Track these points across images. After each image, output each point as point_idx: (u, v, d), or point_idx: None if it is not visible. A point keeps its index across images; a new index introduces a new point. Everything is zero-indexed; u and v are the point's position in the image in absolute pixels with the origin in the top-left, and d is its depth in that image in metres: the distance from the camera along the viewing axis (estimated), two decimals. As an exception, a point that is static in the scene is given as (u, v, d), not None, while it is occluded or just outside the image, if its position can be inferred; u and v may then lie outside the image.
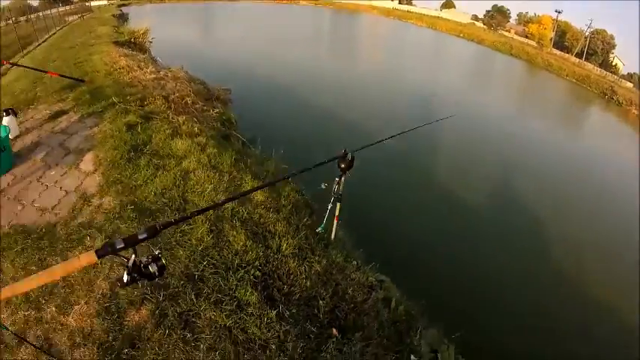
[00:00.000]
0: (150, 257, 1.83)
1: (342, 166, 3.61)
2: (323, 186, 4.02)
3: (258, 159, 6.70)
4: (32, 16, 28.42)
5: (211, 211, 4.08)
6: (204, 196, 4.56)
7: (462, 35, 65.94)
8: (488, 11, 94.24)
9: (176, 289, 3.22)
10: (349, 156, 3.55)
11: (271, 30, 38.19)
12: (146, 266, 1.79)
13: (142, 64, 11.72)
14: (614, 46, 76.41)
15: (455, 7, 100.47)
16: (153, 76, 10.27)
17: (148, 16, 24.22)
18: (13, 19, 23.07)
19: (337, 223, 4.30)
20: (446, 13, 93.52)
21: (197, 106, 8.76)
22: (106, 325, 2.95)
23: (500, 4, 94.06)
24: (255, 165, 6.26)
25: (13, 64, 9.80)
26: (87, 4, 49.37)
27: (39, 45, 19.01)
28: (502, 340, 5.51)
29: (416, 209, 8.62)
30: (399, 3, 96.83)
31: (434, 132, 9.98)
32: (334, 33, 45.93)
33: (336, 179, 3.82)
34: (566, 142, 19.91)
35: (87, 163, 5.53)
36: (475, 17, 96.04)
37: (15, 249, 3.78)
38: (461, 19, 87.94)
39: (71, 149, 6.00)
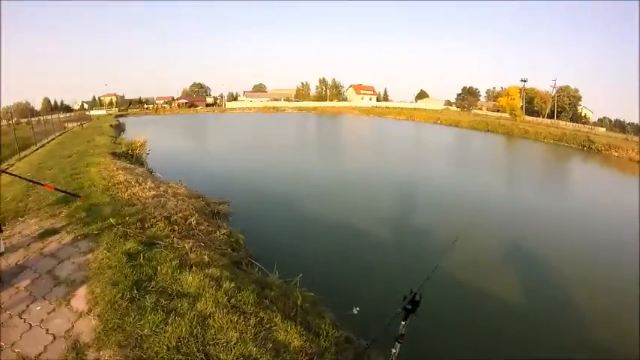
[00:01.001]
0: None
1: (410, 307, 3.22)
2: (355, 311, 3.44)
3: (281, 290, 5.88)
4: (33, 119, 28.80)
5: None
6: (230, 350, 3.67)
7: (439, 122, 69.69)
8: (459, 94, 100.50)
9: None
10: (418, 295, 3.16)
11: (262, 137, 39.17)
12: None
13: (141, 178, 11.32)
14: (579, 99, 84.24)
15: (428, 96, 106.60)
16: (152, 192, 9.74)
17: (143, 127, 24.43)
18: (14, 120, 23.23)
19: None
20: (421, 103, 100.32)
21: (202, 227, 8.11)
22: None
23: (468, 85, 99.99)
24: (280, 298, 5.44)
25: (5, 172, 9.25)
26: (87, 112, 50.87)
27: (37, 150, 18.98)
28: None
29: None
30: (377, 100, 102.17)
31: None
32: (323, 136, 47.03)
33: (402, 322, 3.31)
34: (561, 202, 20.57)
35: (80, 299, 4.70)
36: (448, 102, 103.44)
37: None
38: (436, 107, 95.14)
39: (61, 279, 5.23)
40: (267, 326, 4.29)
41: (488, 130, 60.42)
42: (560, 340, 7.56)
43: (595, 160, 40.09)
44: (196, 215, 8.61)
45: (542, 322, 7.93)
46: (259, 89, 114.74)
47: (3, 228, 6.70)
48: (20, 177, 8.68)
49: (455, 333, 7.52)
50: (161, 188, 10.57)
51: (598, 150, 45.44)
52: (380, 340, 3.32)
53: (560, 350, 7.17)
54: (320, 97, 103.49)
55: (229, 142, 33.03)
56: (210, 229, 8.31)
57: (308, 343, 4.08)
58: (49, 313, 4.46)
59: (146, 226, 6.98)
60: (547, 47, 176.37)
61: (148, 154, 19.28)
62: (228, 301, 4.62)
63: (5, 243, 6.23)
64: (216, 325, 4.03)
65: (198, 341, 3.76)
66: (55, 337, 4.04)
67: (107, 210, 7.70)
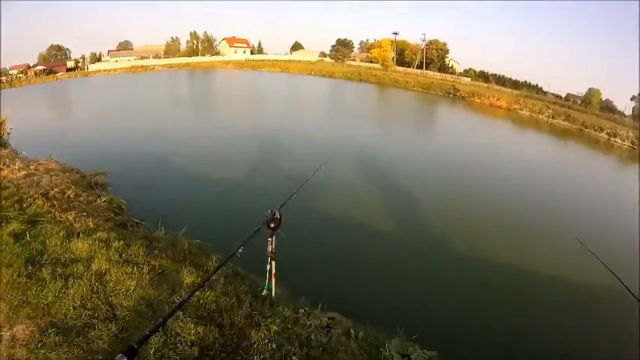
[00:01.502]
0: None
1: (272, 225, 3.84)
2: (239, 251, 3.94)
3: (168, 241, 6.37)
4: None
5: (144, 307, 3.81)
6: (131, 296, 4.20)
7: (313, 73, 71.19)
8: (333, 46, 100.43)
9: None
10: (277, 214, 3.80)
11: (130, 99, 37.57)
12: None
13: (7, 160, 10.78)
14: (447, 52, 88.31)
15: (303, 48, 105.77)
16: (23, 172, 9.46)
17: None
18: None
19: (275, 280, 4.38)
20: (296, 55, 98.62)
21: (81, 198, 8.19)
22: None
23: (342, 37, 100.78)
24: (168, 247, 5.94)
25: None
26: None
27: None
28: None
29: (336, 247, 9.41)
30: (251, 53, 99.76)
31: (324, 174, 10.56)
32: (194, 93, 46.36)
33: (269, 239, 3.96)
34: (430, 144, 23.99)
35: None
36: (323, 54, 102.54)
37: None
38: (310, 58, 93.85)
39: None
40: (160, 271, 4.84)
41: (361, 80, 63.32)
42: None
43: (460, 105, 45.31)
44: (73, 188, 8.63)
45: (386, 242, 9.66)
46: (125, 47, 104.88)
47: None
48: None
49: (320, 249, 9.05)
50: (31, 167, 10.23)
51: (462, 97, 50.94)
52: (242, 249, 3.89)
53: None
54: (192, 52, 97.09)
55: (96, 111, 31.24)
56: (90, 198, 8.41)
57: (198, 278, 4.68)
58: None
59: (24, 206, 6.97)
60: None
61: (9, 134, 18.03)
62: (120, 257, 5.09)
63: None
64: (113, 279, 4.51)
65: (100, 295, 4.23)
66: None
67: (-21, 199, 7.50)
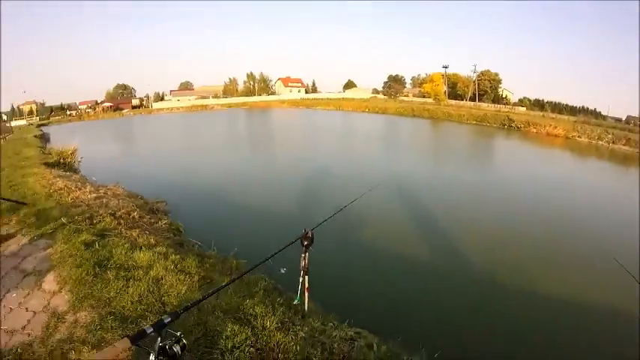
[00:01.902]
0: (173, 339, 2.21)
1: (306, 243, 4.21)
2: (282, 271, 4.57)
3: (218, 259, 7.05)
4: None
5: (195, 308, 4.42)
6: (182, 297, 4.85)
7: (367, 110, 71.82)
8: (385, 82, 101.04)
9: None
10: (309, 233, 4.18)
11: (190, 136, 39.35)
12: (170, 347, 2.17)
13: (79, 184, 11.94)
14: (499, 82, 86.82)
15: (356, 86, 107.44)
16: (94, 195, 10.50)
17: (70, 135, 24.39)
18: None
19: (308, 294, 4.73)
20: (349, 93, 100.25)
21: (144, 219, 9.06)
22: None
23: (394, 73, 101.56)
24: (218, 264, 6.62)
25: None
26: (7, 124, 48.62)
27: (-38, 168, 18.60)
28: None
29: (368, 268, 9.82)
30: (306, 92, 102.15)
31: (367, 202, 11.04)
32: (252, 130, 47.92)
33: (302, 255, 4.32)
34: (481, 176, 23.19)
35: (49, 283, 5.59)
36: (375, 90, 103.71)
37: None
38: (363, 95, 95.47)
39: (28, 271, 6.01)
40: (208, 281, 5.49)
41: (414, 116, 62.98)
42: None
43: (515, 136, 43.42)
44: (138, 210, 9.52)
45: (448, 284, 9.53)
46: (186, 87, 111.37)
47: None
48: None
49: (353, 270, 9.48)
50: (101, 191, 11.30)
51: (518, 127, 49.03)
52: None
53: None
54: (248, 92, 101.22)
55: (159, 145, 33.25)
56: (152, 220, 9.28)
57: (241, 289, 5.31)
58: (24, 297, 5.24)
59: (94, 222, 7.85)
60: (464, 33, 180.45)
61: (80, 161, 19.54)
62: (175, 267, 5.80)
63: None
64: (167, 284, 5.19)
65: (154, 295, 4.91)
66: (35, 313, 4.87)
67: (55, 212, 8.42)
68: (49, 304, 5.07)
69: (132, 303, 4.73)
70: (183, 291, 5.00)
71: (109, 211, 8.73)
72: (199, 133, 41.72)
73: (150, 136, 42.26)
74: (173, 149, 29.83)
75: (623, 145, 38.84)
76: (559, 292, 8.82)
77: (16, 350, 4.03)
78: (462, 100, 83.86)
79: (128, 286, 5.09)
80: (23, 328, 4.59)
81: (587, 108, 73.83)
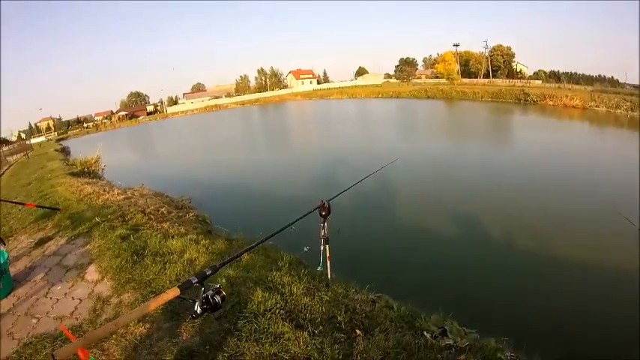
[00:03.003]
0: (213, 290, 2.53)
1: (323, 213, 4.45)
2: (306, 249, 4.89)
3: (245, 240, 7.42)
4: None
5: (224, 281, 4.80)
6: (217, 273, 5.21)
7: (381, 95, 71.70)
8: (397, 66, 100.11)
9: (217, 341, 3.83)
10: (326, 204, 4.42)
11: (207, 135, 39.94)
12: (212, 297, 2.49)
13: (107, 188, 12.41)
14: (513, 56, 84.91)
15: (368, 72, 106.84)
16: (122, 196, 10.96)
17: (89, 146, 25.01)
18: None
19: (330, 263, 4.98)
20: (361, 80, 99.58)
21: (172, 214, 9.46)
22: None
23: (405, 56, 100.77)
24: (244, 245, 6.97)
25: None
26: (27, 142, 49.82)
27: (-9, 185, 19.17)
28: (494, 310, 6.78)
29: (388, 238, 10.33)
30: (318, 83, 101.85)
31: (385, 176, 11.29)
32: (266, 126, 48.30)
33: (321, 225, 4.56)
34: (501, 153, 22.68)
35: (92, 274, 5.99)
36: (388, 75, 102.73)
37: (44, 352, 4.10)
38: (375, 81, 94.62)
39: (70, 266, 6.41)
40: (238, 260, 5.83)
41: (428, 97, 62.16)
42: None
43: (531, 110, 42.60)
44: (166, 206, 9.94)
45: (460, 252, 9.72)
46: (198, 89, 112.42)
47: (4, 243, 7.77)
48: (3, 200, 9.79)
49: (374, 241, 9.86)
50: (128, 192, 11.76)
51: (534, 101, 47.95)
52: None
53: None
54: (261, 88, 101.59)
55: (177, 146, 33.92)
56: (180, 214, 9.68)
57: (269, 264, 5.69)
58: (69, 288, 5.63)
59: (127, 219, 8.28)
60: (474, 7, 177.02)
61: (103, 169, 20.10)
62: (207, 249, 6.18)
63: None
64: (201, 264, 5.58)
65: (190, 274, 5.26)
66: (81, 300, 5.25)
67: (88, 214, 8.86)
68: (92, 291, 5.43)
69: (170, 282, 5.10)
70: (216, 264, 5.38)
71: (139, 209, 9.14)
72: (215, 132, 42.25)
73: (167, 139, 43.07)
74: (191, 149, 30.52)
75: None
76: (576, 255, 8.93)
77: (70, 332, 4.05)
78: (476, 77, 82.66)
79: (165, 269, 5.48)
80: (71, 313, 4.94)
81: (604, 76, 71.42)
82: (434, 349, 3.87)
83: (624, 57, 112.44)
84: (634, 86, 59.40)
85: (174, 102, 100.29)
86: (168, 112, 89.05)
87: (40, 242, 7.86)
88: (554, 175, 16.06)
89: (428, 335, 4.18)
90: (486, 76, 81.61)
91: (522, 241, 9.81)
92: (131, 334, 4.14)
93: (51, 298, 5.46)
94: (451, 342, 4.08)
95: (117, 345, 4.02)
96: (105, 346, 4.02)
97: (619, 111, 39.56)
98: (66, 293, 5.53)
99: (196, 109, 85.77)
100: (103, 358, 3.88)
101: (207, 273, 2.50)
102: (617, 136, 29.01)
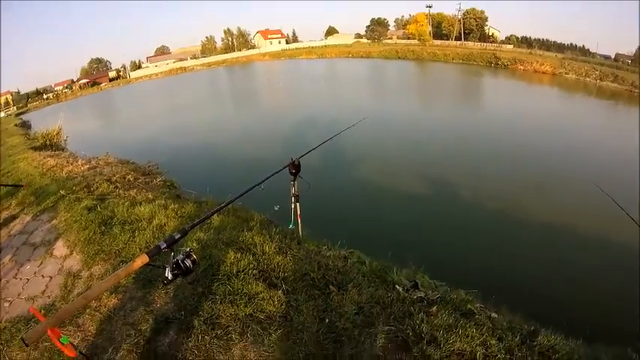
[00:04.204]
0: (183, 254, 2.45)
1: (293, 171, 4.42)
2: (276, 208, 4.80)
3: (215, 202, 7.30)
4: None
5: (195, 244, 4.72)
6: (187, 237, 5.10)
7: (351, 55, 71.34)
8: (368, 26, 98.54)
9: (192, 306, 3.78)
10: (296, 161, 4.38)
11: (172, 99, 38.95)
12: (183, 262, 2.41)
13: (70, 159, 12.03)
14: (486, 20, 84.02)
15: (338, 32, 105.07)
16: (86, 166, 10.63)
17: (51, 117, 24.23)
18: None
19: (300, 220, 5.00)
20: (332, 40, 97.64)
21: (139, 180, 9.25)
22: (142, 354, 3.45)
23: (377, 16, 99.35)
24: (214, 207, 6.87)
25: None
26: (-16, 119, 48.20)
27: (-49, 167, 18.57)
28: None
29: (358, 196, 10.68)
30: (287, 43, 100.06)
31: (354, 135, 11.33)
32: (233, 87, 47.57)
33: (291, 183, 4.56)
34: (470, 114, 23.37)
35: (60, 249, 5.82)
36: (359, 35, 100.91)
37: (20, 336, 3.85)
38: (346, 41, 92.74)
39: (37, 243, 6.21)
40: (208, 222, 5.73)
41: (399, 58, 62.51)
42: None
43: (502, 74, 43.62)
44: (132, 173, 9.70)
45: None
46: (162, 52, 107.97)
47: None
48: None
49: (343, 197, 10.23)
50: (92, 162, 11.42)
51: (505, 65, 48.70)
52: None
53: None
54: (227, 49, 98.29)
55: (142, 112, 33.13)
56: (147, 180, 9.49)
57: (240, 223, 5.61)
58: (38, 267, 5.48)
59: (92, 189, 8.04)
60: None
61: (66, 140, 19.52)
62: (176, 214, 6.07)
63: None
64: (170, 228, 5.47)
65: (160, 240, 5.14)
66: (51, 277, 5.11)
67: (53, 187, 8.56)
68: (62, 267, 5.31)
69: (140, 250, 5.00)
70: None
71: (104, 178, 8.87)
72: (181, 95, 41.34)
73: (131, 105, 41.96)
74: (157, 114, 29.89)
75: (611, 82, 38.71)
76: (543, 217, 9.29)
77: (40, 311, 4.17)
78: (448, 40, 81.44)
79: (134, 237, 5.37)
80: (43, 292, 4.83)
81: (575, 45, 72.32)
82: (406, 302, 3.94)
83: (597, 28, 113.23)
84: (604, 56, 60.67)
85: (137, 67, 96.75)
86: (131, 77, 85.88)
87: (5, 222, 7.57)
88: (525, 139, 16.52)
89: (400, 289, 4.26)
90: (458, 38, 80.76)
91: (490, 202, 10.16)
92: (104, 306, 4.06)
93: (21, 279, 5.31)
94: (422, 294, 4.19)
95: (91, 319, 3.94)
96: (79, 321, 3.94)
97: (588, 79, 40.81)
98: (35, 272, 5.39)
99: (161, 72, 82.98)
100: (79, 334, 3.80)
101: (176, 237, 2.41)
102: (586, 104, 30.07)
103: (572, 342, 3.77)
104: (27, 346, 2.07)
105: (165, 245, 2.29)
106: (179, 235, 2.44)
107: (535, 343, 3.48)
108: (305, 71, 53.11)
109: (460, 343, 3.33)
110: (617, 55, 61.96)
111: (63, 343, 1.84)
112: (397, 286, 4.30)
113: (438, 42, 79.14)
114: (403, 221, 9.14)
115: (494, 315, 4.10)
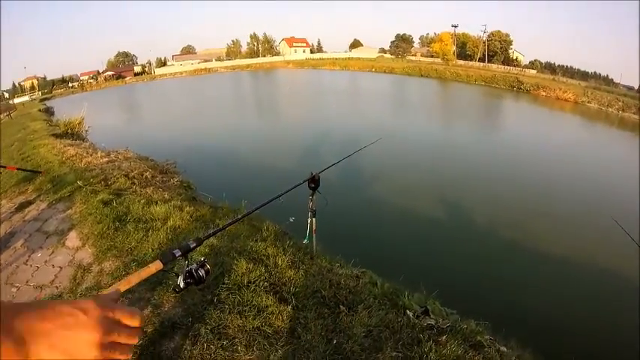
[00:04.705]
0: (197, 263, 2.43)
1: (312, 185, 4.38)
2: (291, 220, 4.78)
3: (230, 208, 7.32)
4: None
5: (208, 250, 4.70)
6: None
7: (374, 70, 71.54)
8: (392, 41, 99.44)
9: (200, 313, 3.75)
10: (316, 176, 4.35)
11: (195, 99, 39.20)
12: (197, 271, 2.39)
13: (90, 150, 12.15)
14: (510, 43, 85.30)
15: (362, 45, 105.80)
16: (105, 159, 10.73)
17: (74, 106, 24.46)
18: None
19: (315, 236, 4.94)
20: (355, 53, 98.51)
21: (157, 179, 9.28)
22: (145, 355, 3.41)
23: (402, 32, 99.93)
24: (230, 213, 6.89)
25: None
26: (10, 101, 48.88)
27: (-28, 147, 18.78)
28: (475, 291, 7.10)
29: (373, 215, 10.56)
30: (311, 52, 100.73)
31: (371, 154, 11.37)
32: (256, 92, 47.67)
33: (309, 197, 4.52)
34: (489, 137, 23.18)
35: (72, 240, 5.84)
36: (382, 50, 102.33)
37: None
38: (370, 55, 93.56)
39: (51, 232, 6.24)
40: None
41: (421, 75, 62.54)
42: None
43: (524, 99, 43.32)
44: (150, 170, 9.74)
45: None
46: (188, 51, 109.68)
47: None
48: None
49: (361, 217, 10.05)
50: (111, 155, 11.51)
51: (527, 90, 48.51)
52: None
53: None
54: (252, 54, 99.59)
55: (164, 109, 33.39)
56: (165, 179, 9.52)
57: (254, 233, 5.59)
58: (49, 256, 5.48)
59: (109, 183, 8.09)
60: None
61: (87, 130, 19.70)
62: (191, 217, 6.06)
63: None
64: (185, 232, 5.45)
65: (173, 242, 5.16)
66: (61, 268, 5.11)
67: (71, 177, 8.63)
68: (73, 258, 5.30)
69: (152, 250, 4.97)
70: (200, 236, 5.27)
71: (123, 173, 8.94)
72: (204, 96, 41.63)
73: (154, 102, 42.40)
74: (178, 113, 30.06)
75: (634, 113, 38.05)
76: (559, 250, 9.13)
77: (51, 298, 4.16)
78: (472, 60, 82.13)
79: (148, 236, 5.35)
80: (51, 282, 4.82)
81: (599, 74, 72.63)
82: (416, 329, 3.89)
83: (621, 57, 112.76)
84: (628, 87, 60.55)
85: (162, 63, 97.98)
86: (156, 73, 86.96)
87: (21, 207, 7.64)
88: (544, 166, 16.34)
89: (410, 314, 4.21)
90: (482, 60, 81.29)
91: (507, 230, 9.99)
92: None
93: (31, 266, 5.31)
94: (433, 322, 4.13)
95: None
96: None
97: (610, 109, 40.21)
98: (46, 261, 5.38)
99: (185, 71, 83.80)
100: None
101: (192, 246, 2.36)
102: (607, 133, 29.89)
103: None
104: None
105: (180, 253, 2.25)
106: (194, 244, 2.40)
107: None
108: (327, 83, 53.23)
109: (468, 375, 3.28)
110: (641, 86, 61.59)
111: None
112: (408, 311, 4.25)
113: (461, 62, 79.90)
114: (417, 244, 9.10)
115: (503, 348, 4.06)
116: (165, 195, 7.39)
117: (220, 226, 4.98)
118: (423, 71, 64.47)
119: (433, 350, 3.54)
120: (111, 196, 7.04)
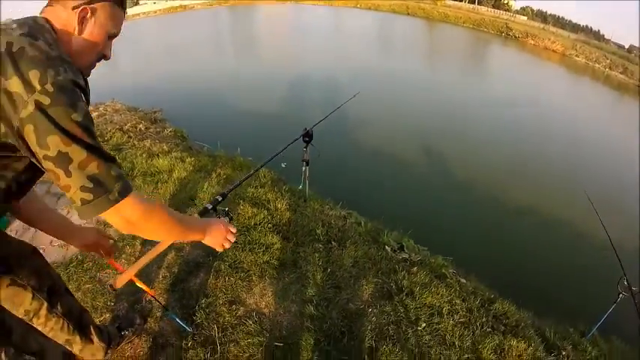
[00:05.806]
0: (222, 214, 3.03)
1: (307, 139, 5.07)
2: (283, 165, 5.47)
3: (227, 157, 7.95)
4: None
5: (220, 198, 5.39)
6: (206, 191, 5.83)
7: (358, 6, 68.62)
8: None
9: (217, 252, 4.47)
10: (310, 131, 5.02)
11: (173, 40, 37.95)
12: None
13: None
14: None
15: None
16: (96, 113, 10.96)
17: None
18: None
19: (308, 183, 5.77)
20: None
21: (151, 130, 9.72)
22: (177, 291, 4.11)
23: None
24: (226, 162, 7.54)
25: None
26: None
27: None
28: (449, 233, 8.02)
29: (363, 162, 11.29)
30: None
31: (362, 101, 11.95)
32: (236, 32, 46.73)
33: (304, 149, 5.20)
34: (478, 85, 23.98)
35: None
36: None
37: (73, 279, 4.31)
38: None
39: (60, 193, 6.38)
40: (224, 177, 6.44)
41: (408, 14, 61.14)
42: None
43: (511, 46, 43.74)
44: (142, 122, 10.17)
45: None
46: None
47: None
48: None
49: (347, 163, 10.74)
50: (100, 108, 11.77)
51: (515, 37, 48.25)
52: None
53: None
54: None
55: (141, 53, 32.48)
56: (158, 130, 9.98)
57: (253, 181, 6.32)
58: (66, 215, 5.94)
59: (107, 138, 8.47)
60: None
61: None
62: (193, 167, 6.69)
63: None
64: (191, 182, 6.13)
65: (182, 193, 5.83)
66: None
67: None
68: (90, 216, 5.81)
69: (165, 201, 5.59)
70: (206, 186, 5.92)
71: (117, 127, 9.26)
72: (181, 37, 40.59)
73: (129, 45, 41.26)
74: (157, 56, 29.39)
75: (620, 73, 38.38)
76: (529, 204, 9.96)
77: (76, 257, 4.59)
78: (461, 1, 79.89)
79: (158, 188, 5.95)
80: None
81: (591, 28, 72.08)
82: (393, 261, 4.91)
83: (615, 13, 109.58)
84: (618, 45, 61.13)
85: (135, 3, 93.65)
86: (128, 14, 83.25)
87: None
88: (529, 118, 17.32)
89: (388, 249, 5.21)
90: (472, 1, 79.46)
91: (482, 179, 10.93)
92: (139, 252, 4.61)
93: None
94: (406, 256, 5.12)
95: (128, 264, 4.38)
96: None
97: (597, 65, 40.28)
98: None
99: (159, 9, 79.78)
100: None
101: (219, 199, 2.97)
102: (594, 88, 31.15)
103: (524, 313, 4.74)
104: (115, 291, 2.79)
105: (211, 207, 2.86)
106: (221, 198, 2.99)
107: (492, 308, 4.47)
108: (311, 20, 52.13)
109: (431, 298, 4.30)
110: (630, 46, 61.73)
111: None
112: (387, 247, 5.24)
113: (450, 2, 77.35)
114: (397, 189, 9.94)
115: (463, 280, 5.05)
116: (164, 147, 7.89)
117: (225, 176, 5.76)
118: (409, 9, 62.94)
119: (406, 278, 4.57)
120: (112, 152, 7.46)
